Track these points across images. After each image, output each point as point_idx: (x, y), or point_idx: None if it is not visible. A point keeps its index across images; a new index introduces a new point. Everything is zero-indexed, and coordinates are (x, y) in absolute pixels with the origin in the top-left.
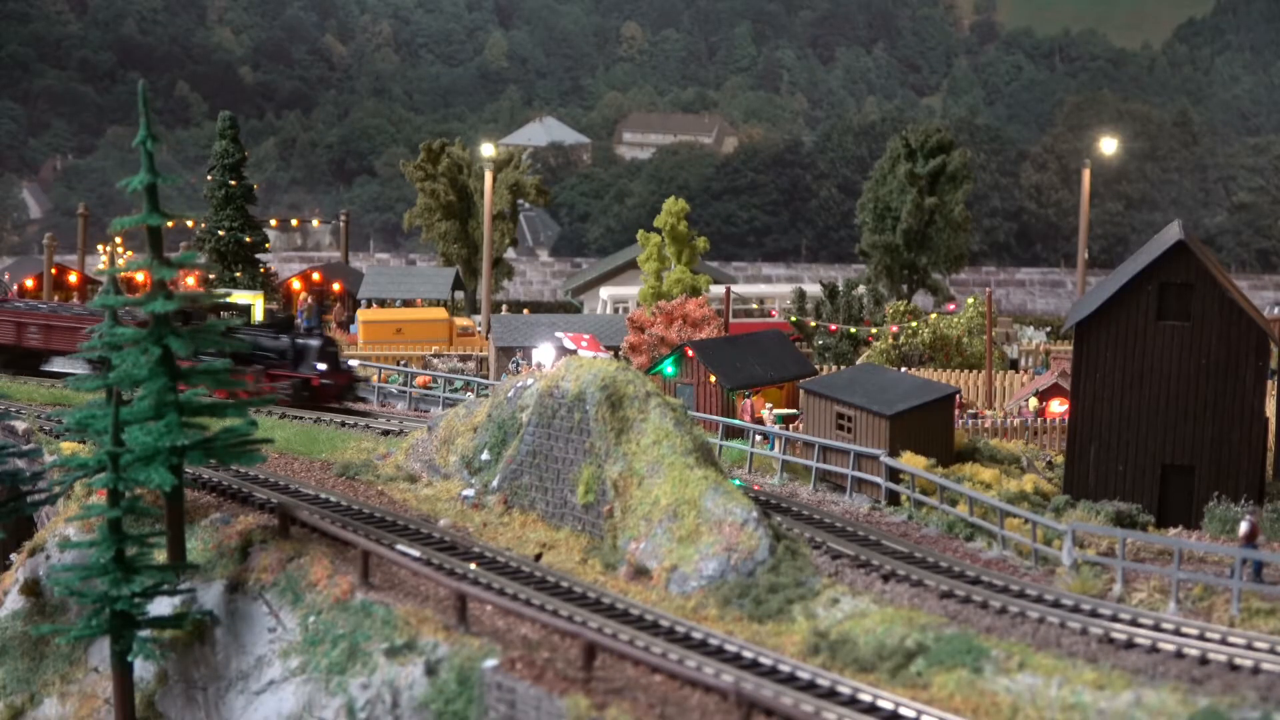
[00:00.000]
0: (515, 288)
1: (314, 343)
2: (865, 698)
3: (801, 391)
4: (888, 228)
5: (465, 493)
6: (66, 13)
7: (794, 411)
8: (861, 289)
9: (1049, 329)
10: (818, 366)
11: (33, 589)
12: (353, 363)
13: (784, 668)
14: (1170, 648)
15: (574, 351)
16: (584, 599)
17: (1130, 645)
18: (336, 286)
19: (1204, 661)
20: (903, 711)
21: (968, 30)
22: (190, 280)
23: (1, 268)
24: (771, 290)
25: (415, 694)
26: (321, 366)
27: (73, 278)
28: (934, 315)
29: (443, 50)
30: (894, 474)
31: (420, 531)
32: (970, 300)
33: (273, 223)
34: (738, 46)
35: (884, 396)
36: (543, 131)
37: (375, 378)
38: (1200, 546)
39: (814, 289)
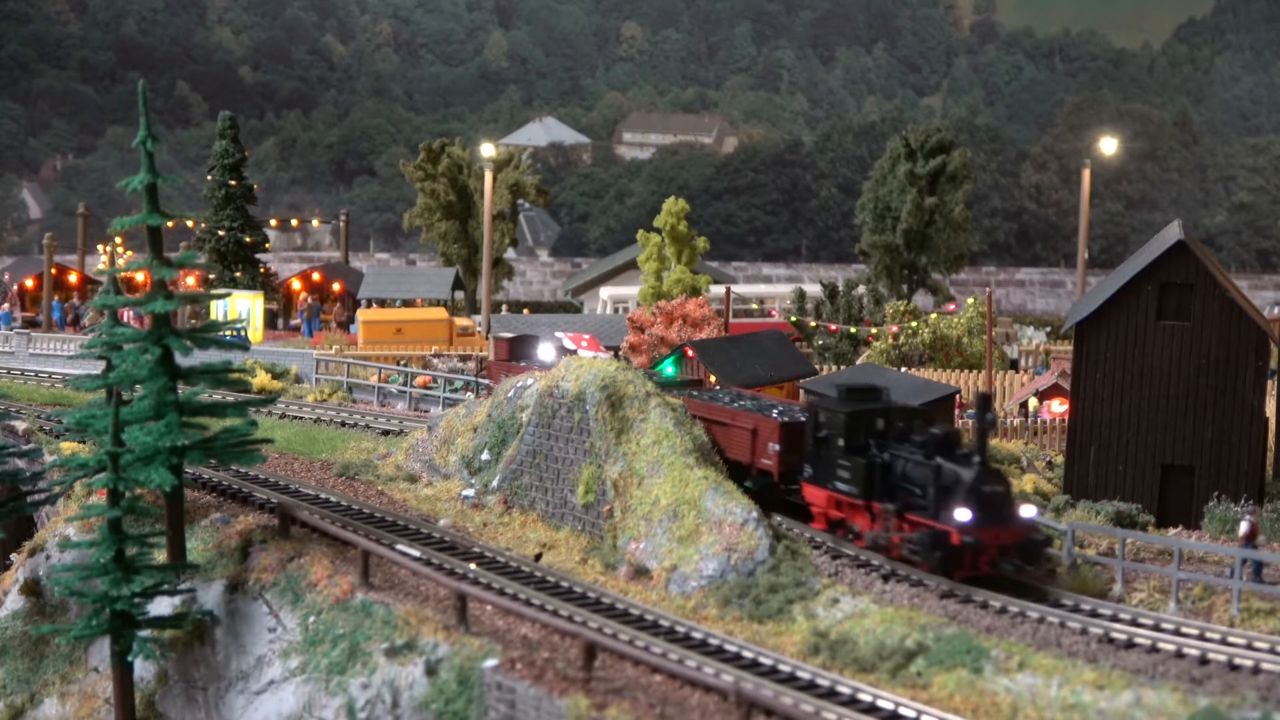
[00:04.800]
0: (515, 288)
1: (963, 476)
2: (865, 698)
3: (801, 391)
4: (888, 228)
5: (465, 493)
6: (66, 13)
7: None
8: (861, 289)
9: (1049, 329)
10: (818, 366)
11: (33, 589)
12: (1031, 510)
13: (784, 668)
14: (1170, 648)
15: (574, 351)
16: (584, 599)
17: (1130, 645)
18: (336, 286)
19: (1204, 661)
20: (903, 711)
21: (968, 30)
22: (190, 280)
23: (1, 268)
24: (771, 290)
25: (415, 694)
26: (963, 514)
27: (73, 278)
28: (934, 315)
29: (443, 50)
30: None
31: (420, 531)
32: (970, 300)
33: (273, 223)
34: (738, 46)
35: None
36: (543, 131)
37: (375, 378)
38: (1200, 546)
39: (814, 289)
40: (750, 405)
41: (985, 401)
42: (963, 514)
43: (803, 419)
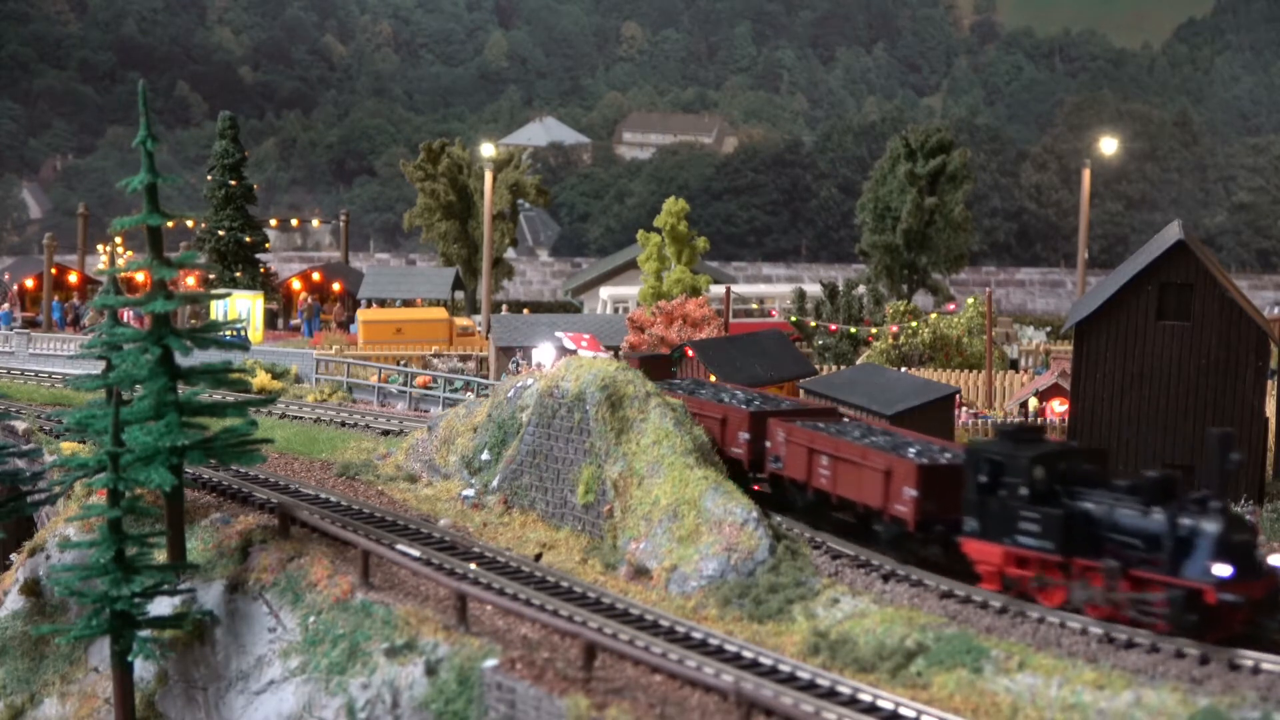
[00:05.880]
0: (515, 288)
1: (1209, 526)
2: (865, 698)
3: (801, 391)
4: (888, 228)
5: (465, 493)
6: (66, 13)
7: None
8: (861, 289)
9: (1049, 329)
10: (818, 366)
11: (33, 589)
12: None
13: (784, 668)
14: (1170, 648)
15: (574, 351)
16: (584, 599)
17: (1130, 645)
18: (336, 286)
19: (1204, 661)
20: (903, 711)
21: (968, 30)
22: (190, 280)
23: (1, 268)
24: (771, 290)
25: (415, 694)
26: (1221, 569)
27: (73, 278)
28: (934, 315)
29: (443, 50)
30: None
31: (420, 531)
32: (970, 300)
33: (273, 223)
34: (738, 46)
35: (884, 396)
36: (543, 131)
37: (375, 378)
38: None
39: (814, 289)
40: (883, 442)
41: (1229, 441)
42: (1221, 569)
43: (944, 460)
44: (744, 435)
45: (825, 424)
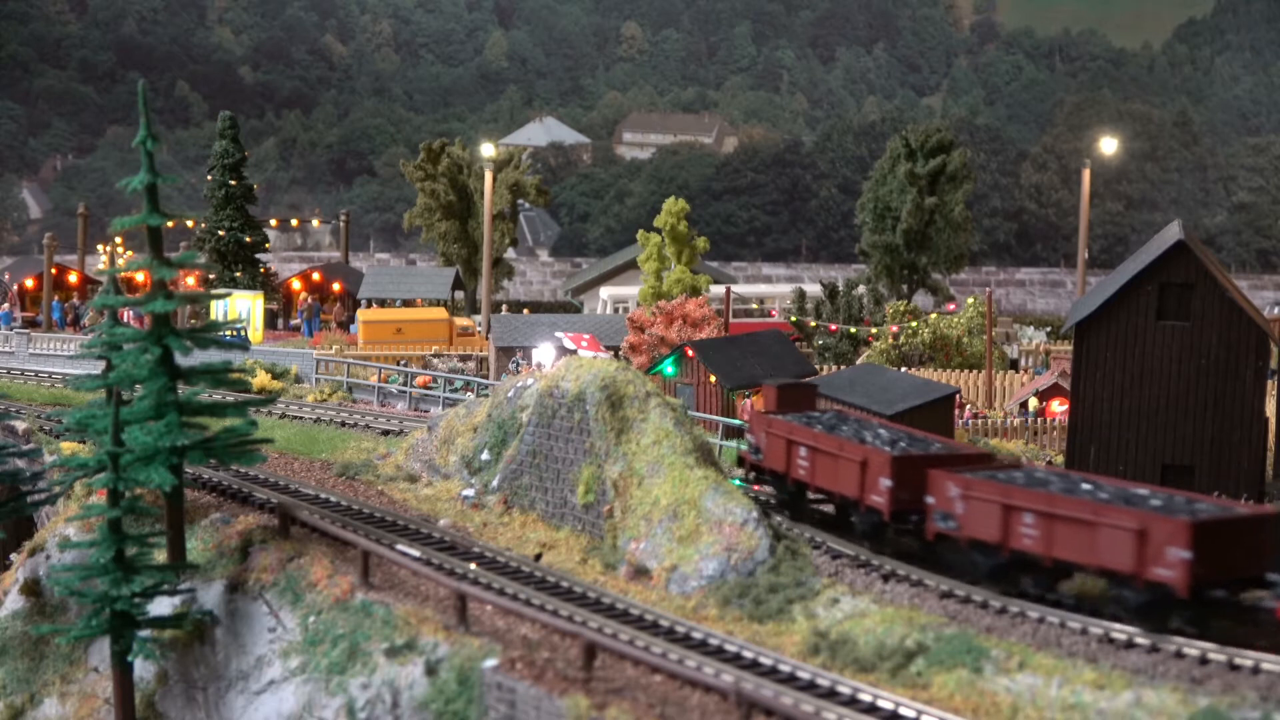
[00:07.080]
0: (515, 288)
1: None
2: (865, 698)
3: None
4: (888, 228)
5: (465, 493)
6: (66, 13)
7: None
8: (861, 289)
9: (1049, 329)
10: (818, 366)
11: (33, 589)
12: None
13: (784, 668)
14: (1170, 648)
15: (574, 351)
16: (584, 599)
17: (1130, 645)
18: (336, 286)
19: (1204, 661)
20: (903, 711)
21: (968, 30)
22: (190, 280)
23: (1, 268)
24: (771, 290)
25: (415, 694)
26: None
27: (73, 278)
28: (934, 315)
29: (443, 50)
30: None
31: (420, 531)
32: (970, 300)
33: (273, 223)
34: (738, 46)
35: (884, 396)
36: (543, 131)
37: (375, 378)
38: None
39: (814, 289)
40: (1109, 495)
41: None
42: None
43: (1205, 514)
44: (885, 482)
45: (1005, 473)
